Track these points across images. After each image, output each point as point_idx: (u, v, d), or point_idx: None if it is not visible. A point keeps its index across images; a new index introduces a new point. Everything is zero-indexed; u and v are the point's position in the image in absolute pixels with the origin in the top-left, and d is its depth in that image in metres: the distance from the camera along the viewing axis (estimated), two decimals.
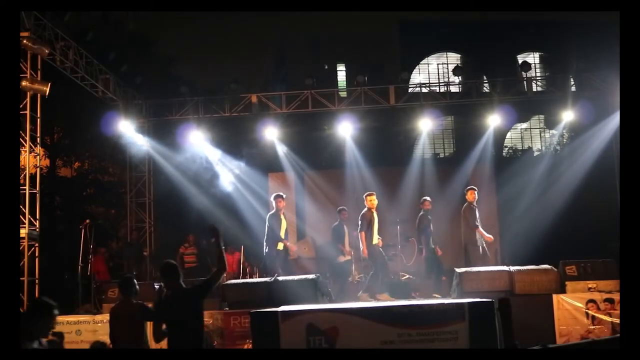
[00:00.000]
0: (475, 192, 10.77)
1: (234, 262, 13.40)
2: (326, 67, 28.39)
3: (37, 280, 10.35)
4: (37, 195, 10.59)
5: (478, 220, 10.62)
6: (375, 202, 10.19)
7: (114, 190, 18.98)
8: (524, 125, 29.52)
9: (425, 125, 14.21)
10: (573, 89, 13.96)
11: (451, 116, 26.78)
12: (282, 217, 10.38)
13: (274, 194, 10.68)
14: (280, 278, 9.85)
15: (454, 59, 30.40)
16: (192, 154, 14.94)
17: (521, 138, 29.60)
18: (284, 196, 10.69)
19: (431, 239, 10.87)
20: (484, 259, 10.44)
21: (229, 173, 15.05)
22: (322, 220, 13.62)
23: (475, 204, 10.70)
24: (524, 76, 13.93)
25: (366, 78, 13.92)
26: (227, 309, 9.62)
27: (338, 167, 15.33)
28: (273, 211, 10.42)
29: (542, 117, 28.42)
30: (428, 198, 11.10)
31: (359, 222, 10.12)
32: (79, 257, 10.79)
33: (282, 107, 14.03)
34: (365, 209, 10.17)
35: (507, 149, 26.50)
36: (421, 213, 10.94)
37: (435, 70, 30.60)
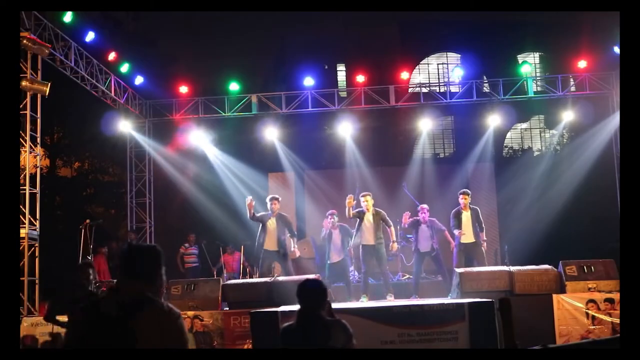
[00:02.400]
0: (467, 197, 10.53)
1: (234, 262, 13.40)
2: (326, 67, 28.36)
3: (37, 280, 10.36)
4: (37, 195, 10.60)
5: (453, 224, 10.46)
6: (368, 202, 10.12)
7: (114, 191, 19.00)
8: (524, 125, 29.50)
9: (425, 125, 14.22)
10: (573, 89, 13.98)
11: (451, 116, 26.76)
12: (272, 219, 10.31)
13: (270, 196, 10.67)
14: (280, 278, 9.86)
15: (454, 59, 30.39)
16: (192, 154, 14.95)
17: (521, 138, 29.57)
18: (279, 198, 10.60)
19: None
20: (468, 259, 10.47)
21: (228, 173, 15.07)
22: (322, 220, 13.62)
23: (463, 208, 10.52)
24: (524, 76, 13.94)
25: (366, 78, 13.92)
26: (227, 309, 9.62)
27: (338, 167, 15.34)
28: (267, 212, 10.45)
29: (542, 117, 28.40)
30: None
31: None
32: (78, 257, 10.78)
33: (282, 107, 14.03)
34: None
35: (507, 149, 26.48)
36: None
37: (435, 70, 30.60)
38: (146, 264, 3.00)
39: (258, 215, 10.36)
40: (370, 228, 10.09)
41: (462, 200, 10.46)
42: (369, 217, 10.11)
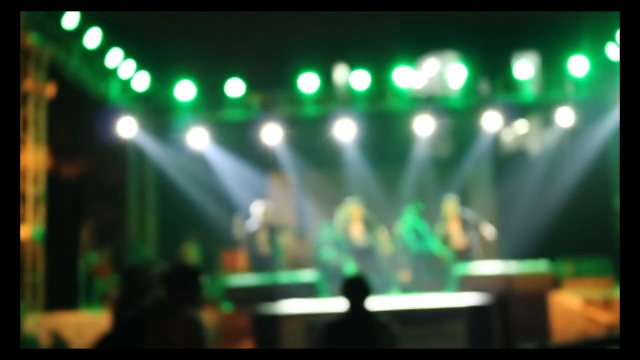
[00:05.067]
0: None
1: (233, 262, 13.40)
2: (326, 67, 28.35)
3: (37, 280, 10.38)
4: (39, 195, 10.62)
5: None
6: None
7: (115, 191, 18.98)
8: (523, 125, 29.48)
9: (425, 126, 14.24)
10: (572, 89, 13.99)
11: (450, 117, 26.74)
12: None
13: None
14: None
15: (453, 59, 30.34)
16: (192, 154, 14.95)
17: (520, 139, 29.54)
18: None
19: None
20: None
21: (228, 173, 15.08)
22: (322, 220, 13.63)
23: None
24: (524, 76, 13.95)
25: (366, 78, 13.94)
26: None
27: (338, 167, 15.33)
28: None
29: (541, 117, 28.40)
30: None
31: None
32: (79, 257, 10.81)
33: (282, 107, 14.05)
34: None
35: (505, 149, 26.45)
36: None
37: (435, 70, 30.55)
38: (187, 282, 3.49)
39: None
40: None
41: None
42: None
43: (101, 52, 12.18)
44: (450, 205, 11.02)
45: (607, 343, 4.13)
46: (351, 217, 10.74)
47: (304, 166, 15.32)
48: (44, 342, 8.85)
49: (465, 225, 10.71)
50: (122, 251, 13.64)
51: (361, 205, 11.39)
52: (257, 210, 11.14)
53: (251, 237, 11.25)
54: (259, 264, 11.18)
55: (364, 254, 10.42)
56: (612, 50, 11.96)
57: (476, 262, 10.51)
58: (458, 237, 10.70)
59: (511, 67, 14.66)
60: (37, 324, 9.62)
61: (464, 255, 10.68)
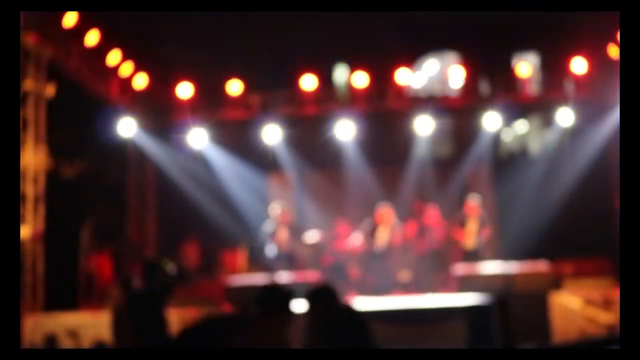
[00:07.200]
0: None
1: (232, 261, 13.41)
2: (326, 67, 28.34)
3: (37, 280, 10.38)
4: (38, 195, 10.62)
5: None
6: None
7: (114, 191, 18.98)
8: (523, 125, 29.47)
9: (425, 126, 14.25)
10: (573, 89, 13.99)
11: (450, 117, 26.72)
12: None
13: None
14: (281, 278, 9.90)
15: (453, 58, 30.32)
16: (191, 154, 14.96)
17: (520, 139, 29.54)
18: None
19: None
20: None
21: (228, 173, 15.08)
22: (322, 220, 13.64)
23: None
24: (523, 76, 13.96)
25: (367, 78, 13.94)
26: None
27: (338, 167, 15.34)
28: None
29: (541, 117, 28.37)
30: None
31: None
32: (79, 257, 10.81)
33: (282, 107, 14.05)
34: None
35: (505, 149, 26.43)
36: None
37: (434, 70, 30.54)
38: (280, 303, 3.73)
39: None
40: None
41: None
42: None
43: (101, 52, 12.17)
44: (473, 205, 11.00)
45: (607, 343, 4.13)
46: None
47: (304, 166, 15.31)
48: (41, 342, 8.84)
49: (481, 225, 10.73)
50: (123, 251, 13.63)
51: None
52: (275, 211, 11.10)
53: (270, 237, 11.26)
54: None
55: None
56: (613, 50, 11.95)
57: (482, 262, 10.50)
58: (473, 236, 10.70)
59: (511, 67, 14.65)
60: (36, 324, 9.62)
61: (473, 255, 10.66)
